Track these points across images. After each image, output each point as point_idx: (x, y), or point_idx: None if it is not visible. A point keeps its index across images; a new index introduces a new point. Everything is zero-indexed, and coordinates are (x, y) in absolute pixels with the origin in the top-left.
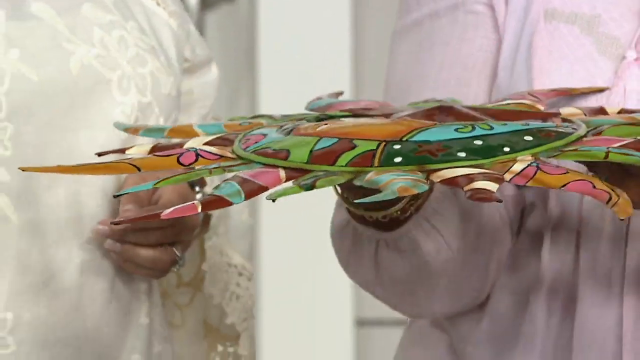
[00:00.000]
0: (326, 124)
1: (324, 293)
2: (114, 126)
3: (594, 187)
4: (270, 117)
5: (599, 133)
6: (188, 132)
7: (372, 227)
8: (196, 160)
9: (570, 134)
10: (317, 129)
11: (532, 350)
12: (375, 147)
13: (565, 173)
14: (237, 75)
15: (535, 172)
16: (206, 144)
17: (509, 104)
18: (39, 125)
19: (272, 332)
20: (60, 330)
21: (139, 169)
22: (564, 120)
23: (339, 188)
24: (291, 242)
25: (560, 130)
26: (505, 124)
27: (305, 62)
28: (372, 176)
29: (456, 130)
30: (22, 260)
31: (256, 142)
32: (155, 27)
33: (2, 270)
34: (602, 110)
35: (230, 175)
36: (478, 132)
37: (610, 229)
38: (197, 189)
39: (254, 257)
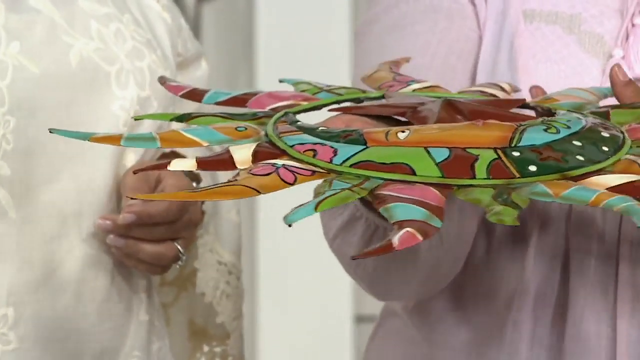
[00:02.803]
0: (403, 132)
1: (323, 290)
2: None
3: None
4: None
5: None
6: (180, 141)
7: (375, 214)
8: (295, 178)
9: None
10: (402, 138)
11: (516, 358)
12: (496, 156)
13: None
14: (234, 69)
15: None
16: (257, 156)
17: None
18: (41, 119)
19: (272, 328)
20: (61, 326)
21: (259, 192)
22: (536, 108)
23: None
24: (290, 239)
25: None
26: (570, 121)
27: (303, 55)
28: (558, 188)
29: (545, 130)
30: (23, 255)
31: (335, 155)
32: (149, 20)
33: (2, 265)
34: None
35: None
36: (564, 132)
37: (601, 233)
38: (194, 184)
39: (253, 254)
